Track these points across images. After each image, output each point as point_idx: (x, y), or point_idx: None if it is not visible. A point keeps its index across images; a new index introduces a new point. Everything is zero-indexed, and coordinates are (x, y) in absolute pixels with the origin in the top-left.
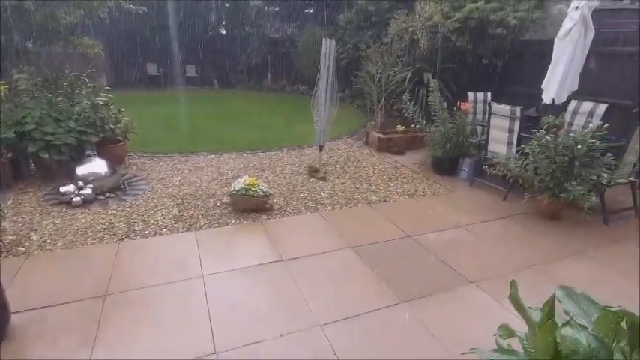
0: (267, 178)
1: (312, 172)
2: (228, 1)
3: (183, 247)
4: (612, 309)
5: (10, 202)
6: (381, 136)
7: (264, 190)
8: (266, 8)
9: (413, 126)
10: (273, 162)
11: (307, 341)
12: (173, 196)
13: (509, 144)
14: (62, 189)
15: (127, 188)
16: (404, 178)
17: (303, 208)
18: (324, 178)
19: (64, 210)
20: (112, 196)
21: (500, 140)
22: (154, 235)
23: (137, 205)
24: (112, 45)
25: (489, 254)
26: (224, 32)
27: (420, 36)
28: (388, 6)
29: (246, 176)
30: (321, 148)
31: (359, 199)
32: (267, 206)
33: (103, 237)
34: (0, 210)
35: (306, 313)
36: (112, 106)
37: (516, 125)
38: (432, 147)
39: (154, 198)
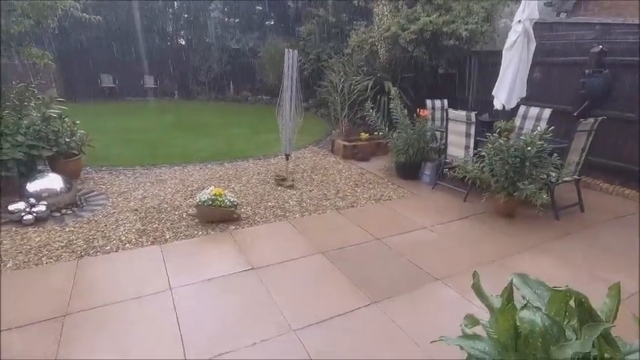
0: (233, 188)
1: (280, 180)
2: (187, 12)
3: (149, 261)
4: (560, 289)
5: None
6: (345, 143)
7: (232, 199)
8: (226, 19)
9: (376, 133)
10: (239, 172)
11: (281, 347)
12: (135, 210)
13: (467, 147)
14: (11, 207)
15: (84, 204)
16: (370, 183)
17: (271, 217)
18: (291, 186)
19: (13, 229)
20: (69, 212)
21: (458, 144)
22: (116, 251)
23: (96, 221)
24: (63, 55)
25: (453, 252)
26: (183, 42)
27: (379, 47)
28: (347, 18)
29: (212, 187)
30: (287, 157)
31: (327, 205)
32: (235, 216)
33: (61, 255)
34: None
35: (278, 319)
36: (66, 119)
37: (472, 130)
38: (395, 153)
39: (114, 213)
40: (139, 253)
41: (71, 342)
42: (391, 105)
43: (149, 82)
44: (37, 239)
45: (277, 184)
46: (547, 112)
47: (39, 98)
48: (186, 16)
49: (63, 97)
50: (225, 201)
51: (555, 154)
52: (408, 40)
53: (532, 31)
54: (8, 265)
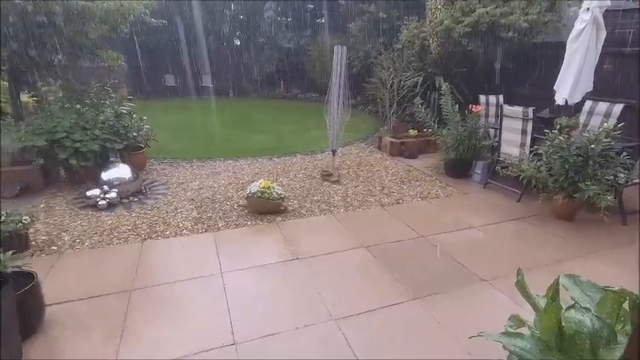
0: (281, 182)
1: (326, 175)
2: (242, 14)
3: (203, 247)
4: (613, 289)
5: (42, 206)
6: (393, 140)
7: (279, 192)
8: (279, 19)
9: (425, 130)
10: (287, 167)
11: (321, 334)
12: (192, 199)
13: (522, 145)
14: (89, 193)
15: (149, 192)
16: (416, 180)
17: (317, 210)
18: (337, 182)
19: (90, 212)
20: (135, 199)
21: (513, 142)
22: (175, 236)
23: (158, 208)
24: (132, 57)
25: (502, 254)
26: (238, 43)
27: (431, 41)
28: (398, 14)
29: (262, 180)
30: (334, 153)
31: (372, 201)
32: (282, 208)
33: (128, 237)
34: (22, 220)
35: (320, 308)
36: (134, 115)
37: (529, 126)
38: (444, 150)
39: (173, 201)
40: (195, 239)
41: (135, 313)
42: (442, 101)
43: (206, 81)
44: (108, 222)
45: (323, 180)
46: (618, 107)
47: (112, 97)
48: (241, 17)
49: (131, 96)
50: (273, 193)
51: (625, 154)
52: (462, 33)
53: (602, 20)
54: (86, 244)
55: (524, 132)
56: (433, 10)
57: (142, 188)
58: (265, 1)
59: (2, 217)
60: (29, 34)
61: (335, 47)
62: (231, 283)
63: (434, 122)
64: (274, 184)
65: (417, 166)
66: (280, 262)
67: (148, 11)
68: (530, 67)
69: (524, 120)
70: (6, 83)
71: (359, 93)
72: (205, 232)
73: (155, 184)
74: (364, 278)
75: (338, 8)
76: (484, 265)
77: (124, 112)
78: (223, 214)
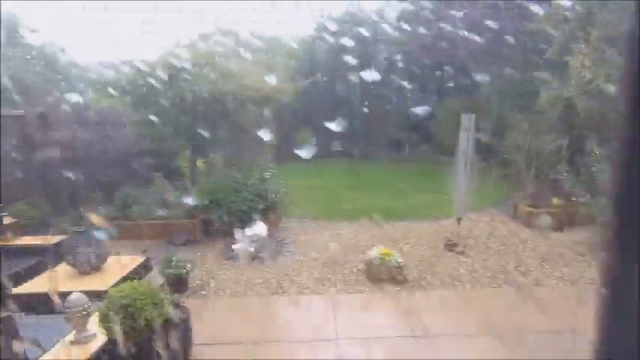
0: (401, 248)
1: (450, 245)
2: (372, 85)
3: (322, 309)
4: None
5: (199, 254)
6: (531, 209)
7: (398, 260)
8: (406, 86)
9: (573, 199)
10: (408, 232)
11: None
12: (315, 259)
13: None
14: (233, 246)
15: (280, 249)
16: (562, 259)
17: (438, 283)
18: (462, 253)
19: (232, 263)
20: (268, 255)
21: None
22: (298, 294)
23: (286, 265)
24: (274, 127)
25: None
26: (366, 110)
27: (577, 102)
28: (534, 75)
29: (381, 245)
30: (459, 220)
31: (504, 279)
32: (401, 277)
33: (260, 290)
34: (185, 266)
35: None
36: (274, 180)
37: None
38: (602, 225)
39: (299, 259)
40: (315, 299)
41: None
42: (594, 168)
43: (336, 145)
44: (245, 274)
45: (447, 249)
46: None
47: (259, 165)
48: (371, 87)
49: (272, 161)
50: (392, 261)
51: None
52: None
53: None
54: (227, 292)
55: None
56: (579, 69)
57: (275, 245)
58: (390, 73)
59: (172, 263)
60: (208, 118)
61: (463, 116)
62: (345, 352)
63: (584, 191)
64: (394, 251)
65: (563, 242)
66: (399, 336)
67: (292, 94)
68: None
69: None
70: (188, 153)
71: (490, 155)
72: (325, 293)
73: (286, 241)
74: None
75: (467, 71)
76: None
77: (267, 177)
78: (343, 276)
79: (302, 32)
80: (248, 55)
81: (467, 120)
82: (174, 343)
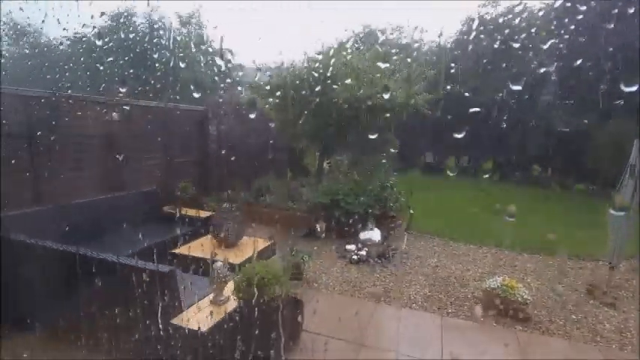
0: (529, 283)
1: (595, 292)
2: (514, 99)
3: (429, 328)
4: None
5: (315, 249)
6: None
7: (525, 296)
8: (557, 102)
9: None
10: (539, 267)
11: None
12: (426, 275)
13: None
14: (347, 247)
15: (391, 258)
16: None
17: (573, 332)
18: (612, 305)
19: (344, 263)
20: (379, 261)
21: None
22: (405, 307)
23: (395, 275)
24: (400, 135)
25: None
26: (504, 126)
27: None
28: None
29: (505, 276)
30: (613, 266)
31: None
32: (525, 315)
33: (367, 295)
34: (303, 257)
35: None
36: (394, 188)
37: None
38: None
39: (410, 272)
40: (422, 316)
41: None
42: None
43: (463, 161)
44: (355, 275)
45: (590, 296)
46: None
47: (382, 171)
48: (512, 101)
49: (395, 170)
50: (517, 295)
51: None
52: None
53: None
54: (336, 289)
55: None
56: None
57: (388, 253)
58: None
59: (293, 252)
60: (340, 122)
61: (635, 141)
62: None
63: None
64: (520, 284)
65: None
66: None
67: (426, 103)
68: None
69: None
70: (317, 153)
71: None
72: (434, 313)
73: (397, 251)
74: None
75: None
76: None
77: (388, 185)
78: (455, 299)
79: (438, 38)
80: (385, 63)
81: (638, 146)
82: (290, 323)
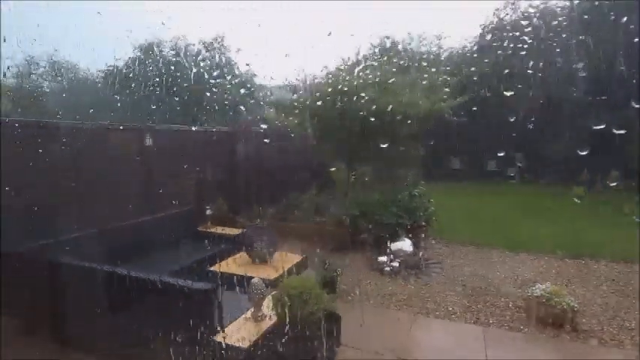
0: (574, 290)
1: None
2: (542, 98)
3: (470, 340)
4: None
5: (346, 261)
6: None
7: (571, 304)
8: (589, 98)
9: None
10: (584, 273)
11: None
12: (464, 285)
13: None
14: (379, 258)
15: (424, 268)
16: None
17: (627, 341)
18: None
19: (377, 275)
20: (412, 272)
21: None
22: (443, 318)
23: (431, 286)
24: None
25: None
26: (531, 127)
27: None
28: None
29: (549, 283)
30: None
31: None
32: (572, 324)
33: (402, 306)
34: (337, 270)
35: None
36: (423, 197)
37: None
38: None
39: (446, 282)
40: (462, 328)
41: None
42: None
43: (491, 165)
44: (389, 287)
45: None
46: None
47: (409, 181)
48: (541, 102)
49: (422, 178)
50: (563, 303)
51: None
52: None
53: None
54: (370, 302)
55: None
56: None
57: (420, 264)
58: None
59: (326, 265)
60: (364, 134)
61: None
62: None
63: None
64: (565, 291)
65: None
66: None
67: (450, 110)
68: None
69: None
70: (343, 166)
71: None
72: (474, 324)
73: (431, 261)
74: None
75: None
76: None
77: (416, 194)
78: (495, 309)
79: (461, 46)
80: (406, 75)
81: None
82: (328, 337)
